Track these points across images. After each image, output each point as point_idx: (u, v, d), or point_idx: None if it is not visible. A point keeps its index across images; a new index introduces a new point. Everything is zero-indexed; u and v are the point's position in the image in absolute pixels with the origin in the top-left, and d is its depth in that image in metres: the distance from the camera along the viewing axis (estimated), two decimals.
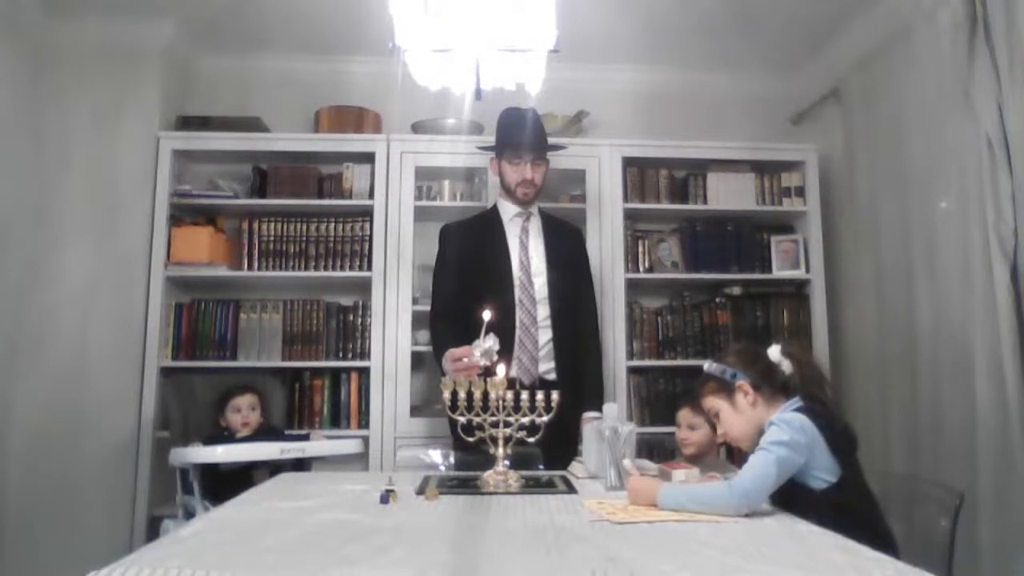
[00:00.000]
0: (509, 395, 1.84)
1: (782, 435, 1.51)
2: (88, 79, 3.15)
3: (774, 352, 1.71)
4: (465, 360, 2.06)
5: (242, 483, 2.03)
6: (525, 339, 2.43)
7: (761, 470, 1.48)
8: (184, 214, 3.25)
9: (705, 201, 3.39)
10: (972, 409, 2.41)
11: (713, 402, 1.73)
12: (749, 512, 1.44)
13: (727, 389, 1.69)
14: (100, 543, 2.83)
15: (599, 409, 2.20)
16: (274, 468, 2.37)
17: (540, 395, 1.86)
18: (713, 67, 3.58)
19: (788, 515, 1.44)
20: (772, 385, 1.67)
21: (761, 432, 1.60)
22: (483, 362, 1.98)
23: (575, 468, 2.02)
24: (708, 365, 1.77)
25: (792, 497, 1.51)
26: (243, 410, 2.59)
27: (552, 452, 2.10)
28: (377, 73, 3.30)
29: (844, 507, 1.48)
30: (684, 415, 2.23)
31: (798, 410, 1.58)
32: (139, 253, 3.10)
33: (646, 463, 2.04)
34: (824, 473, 1.52)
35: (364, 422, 3.10)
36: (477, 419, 1.85)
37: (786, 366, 1.69)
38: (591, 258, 2.84)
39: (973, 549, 2.26)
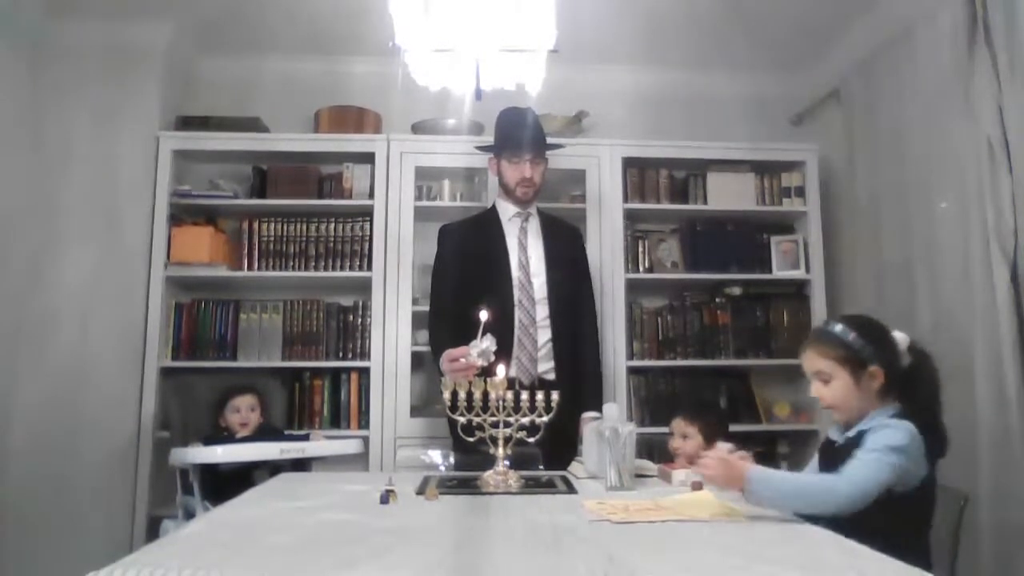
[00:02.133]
0: (509, 395, 1.84)
1: (903, 442, 1.46)
2: (88, 79, 3.15)
3: (902, 341, 1.63)
4: (462, 361, 2.06)
5: (242, 483, 2.03)
6: (524, 339, 2.43)
7: (875, 474, 1.42)
8: (184, 214, 3.25)
9: (705, 201, 3.39)
10: (972, 409, 2.41)
11: (830, 367, 1.61)
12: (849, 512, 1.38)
13: (854, 363, 1.58)
14: (100, 543, 2.83)
15: (598, 409, 2.20)
16: (274, 468, 2.37)
17: (540, 395, 1.86)
18: (713, 67, 3.58)
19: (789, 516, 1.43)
20: (893, 378, 1.59)
21: (859, 415, 1.56)
22: (480, 362, 1.98)
23: (575, 468, 2.02)
24: (842, 329, 1.62)
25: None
26: (242, 410, 2.59)
27: (552, 452, 2.10)
28: (377, 73, 3.30)
29: (908, 515, 1.46)
30: (677, 424, 2.24)
31: (902, 414, 1.53)
32: (139, 253, 3.10)
33: (646, 463, 2.05)
34: (911, 480, 1.49)
35: (364, 422, 3.10)
36: (477, 419, 1.85)
37: (906, 360, 1.62)
38: (591, 258, 2.84)
39: (973, 549, 2.26)
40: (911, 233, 2.82)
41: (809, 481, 1.48)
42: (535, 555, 1.16)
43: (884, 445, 1.46)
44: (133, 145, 3.15)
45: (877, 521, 1.36)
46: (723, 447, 1.58)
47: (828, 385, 1.62)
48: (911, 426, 1.50)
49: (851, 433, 1.59)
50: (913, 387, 1.60)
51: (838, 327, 1.63)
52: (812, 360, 1.65)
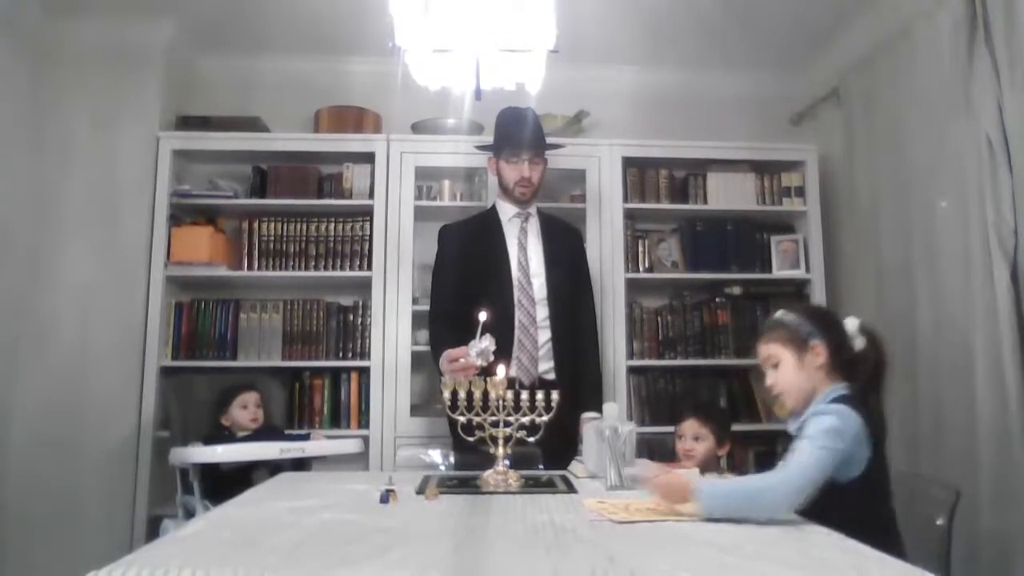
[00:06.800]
0: (509, 395, 1.84)
1: (836, 425, 1.45)
2: (88, 79, 3.15)
3: (851, 325, 1.64)
4: (461, 361, 2.06)
5: (242, 483, 2.03)
6: (524, 339, 2.43)
7: (814, 460, 1.41)
8: (184, 214, 3.25)
9: (705, 201, 3.39)
10: (972, 409, 2.41)
11: (776, 350, 1.64)
12: (797, 508, 1.37)
13: (797, 343, 1.62)
14: (100, 543, 2.83)
15: (598, 409, 2.20)
16: (274, 468, 2.37)
17: (540, 395, 1.86)
18: (713, 67, 3.58)
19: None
20: (839, 357, 1.60)
21: (807, 398, 1.57)
22: (479, 362, 1.99)
23: (575, 468, 2.02)
24: (783, 314, 1.69)
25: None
26: (250, 406, 2.58)
27: (552, 452, 2.10)
28: (377, 73, 3.29)
29: (861, 501, 1.45)
30: (690, 426, 2.20)
31: (841, 399, 1.53)
32: (139, 253, 3.10)
33: (646, 463, 2.04)
34: (854, 467, 1.48)
35: (364, 422, 3.10)
36: (477, 419, 1.85)
37: (859, 343, 1.62)
38: (591, 258, 2.84)
39: (973, 548, 2.26)
40: (911, 233, 2.82)
41: (753, 484, 1.45)
42: (535, 555, 1.16)
43: (818, 431, 1.46)
44: (133, 145, 3.15)
45: (829, 512, 1.35)
46: (652, 468, 1.59)
47: (777, 370, 1.64)
48: (844, 408, 1.49)
49: (798, 424, 1.58)
50: (858, 368, 1.61)
51: (779, 312, 1.69)
52: (761, 350, 1.68)
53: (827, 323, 1.65)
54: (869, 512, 1.43)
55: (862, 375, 1.60)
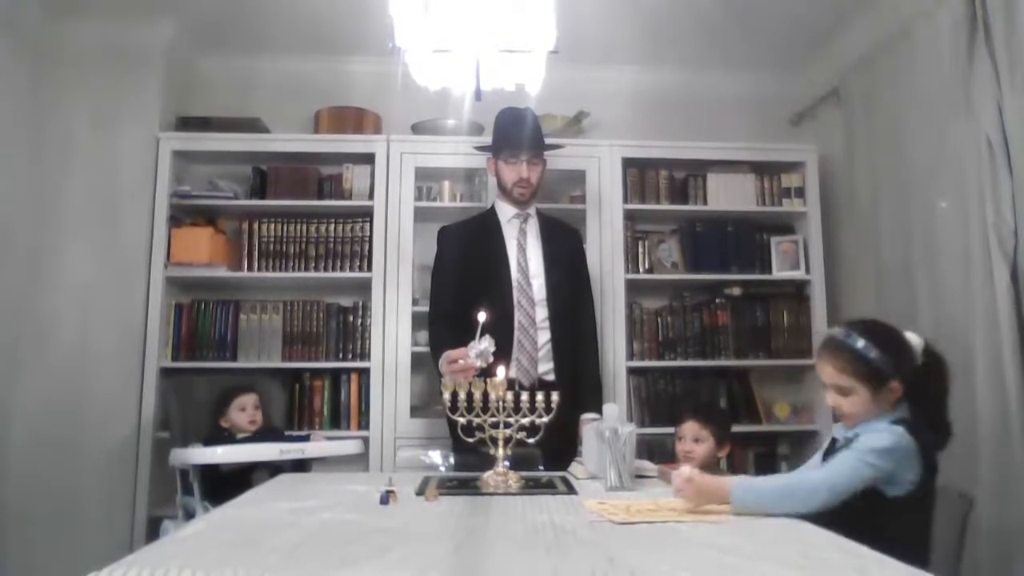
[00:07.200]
0: (509, 396, 1.84)
1: (888, 446, 1.47)
2: (88, 80, 3.15)
3: (918, 346, 1.60)
4: (461, 362, 2.06)
5: (242, 484, 2.03)
6: (524, 340, 2.43)
7: (851, 471, 1.45)
8: (184, 215, 3.25)
9: (705, 202, 3.39)
10: (972, 409, 2.41)
11: (850, 383, 1.57)
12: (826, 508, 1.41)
13: (875, 380, 1.55)
14: (100, 543, 2.83)
15: (598, 410, 2.20)
16: (274, 469, 2.37)
17: (540, 396, 1.86)
18: (713, 67, 3.58)
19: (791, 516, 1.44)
20: (909, 387, 1.57)
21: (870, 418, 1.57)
22: (478, 363, 1.99)
23: (575, 469, 2.02)
24: (860, 343, 1.57)
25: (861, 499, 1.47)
26: (248, 409, 2.58)
27: (552, 453, 2.10)
28: (377, 73, 3.30)
29: (904, 517, 1.46)
30: (690, 427, 2.19)
31: (901, 421, 1.53)
32: (139, 253, 3.10)
33: (646, 464, 2.04)
34: (898, 486, 1.49)
35: (364, 423, 3.10)
36: (477, 420, 1.85)
37: (919, 361, 1.60)
38: (591, 259, 2.84)
39: (974, 549, 2.25)
40: (911, 233, 2.82)
41: (789, 481, 1.50)
42: (535, 555, 1.16)
43: (868, 447, 1.48)
44: (133, 146, 3.15)
45: (873, 522, 1.36)
46: (684, 471, 1.55)
47: (847, 398, 1.60)
48: (900, 430, 1.50)
49: (850, 433, 1.59)
50: (923, 388, 1.58)
51: (860, 342, 1.58)
52: (831, 373, 1.61)
53: (903, 357, 1.58)
54: (910, 529, 1.43)
55: (924, 395, 1.58)
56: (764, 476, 1.59)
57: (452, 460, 2.31)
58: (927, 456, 1.52)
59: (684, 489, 1.50)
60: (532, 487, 1.80)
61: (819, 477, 1.47)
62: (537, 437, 1.87)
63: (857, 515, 1.41)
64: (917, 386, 1.58)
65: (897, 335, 1.62)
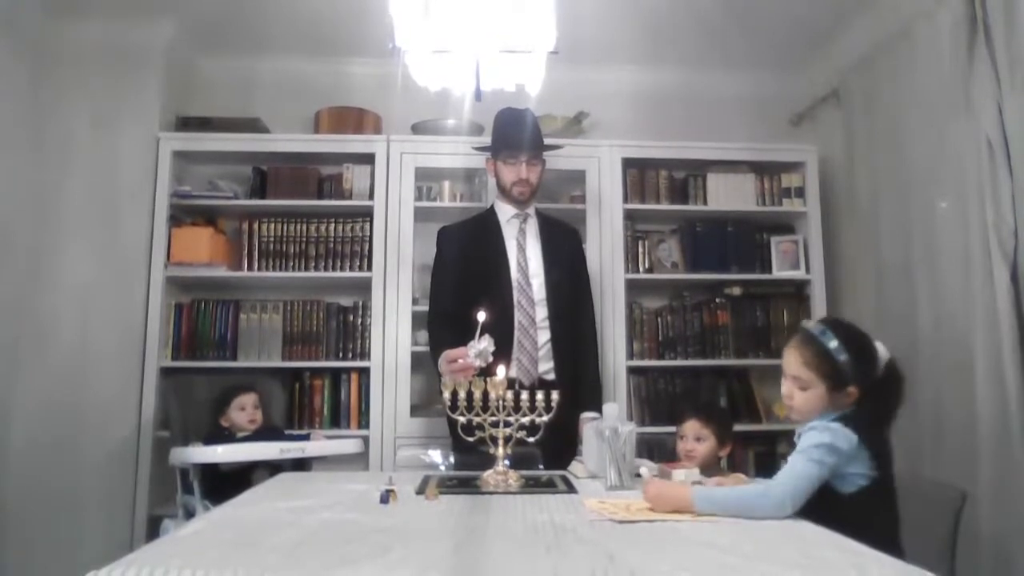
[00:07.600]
0: (509, 395, 1.85)
1: (827, 441, 1.48)
2: (88, 80, 3.15)
3: (883, 357, 1.60)
4: (460, 361, 2.06)
5: (242, 483, 2.03)
6: (524, 340, 2.43)
7: (801, 471, 1.46)
8: (184, 215, 3.25)
9: (705, 202, 3.39)
10: (972, 409, 2.41)
11: (811, 379, 1.58)
12: (789, 516, 1.41)
13: (836, 380, 1.56)
14: (100, 543, 2.83)
15: (598, 409, 2.20)
16: (274, 468, 2.37)
17: (540, 395, 1.86)
18: (713, 67, 3.58)
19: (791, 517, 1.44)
20: (864, 393, 1.58)
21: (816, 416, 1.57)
22: (478, 363, 1.99)
23: (575, 468, 2.02)
24: (833, 343, 1.58)
25: (816, 498, 1.48)
26: (248, 408, 2.58)
27: (552, 452, 2.10)
28: (377, 74, 3.30)
29: (863, 513, 1.46)
30: (692, 426, 2.18)
31: (840, 418, 1.53)
32: (139, 253, 3.10)
33: (646, 463, 2.04)
34: (850, 481, 1.50)
35: (364, 422, 3.10)
36: (477, 419, 1.85)
37: (880, 369, 1.60)
38: (591, 259, 2.84)
39: (973, 548, 2.26)
40: (911, 233, 2.82)
41: (745, 491, 1.51)
42: (535, 555, 1.16)
43: (810, 445, 1.50)
44: (133, 146, 3.15)
45: (833, 521, 1.36)
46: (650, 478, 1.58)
47: (803, 392, 1.61)
48: (837, 426, 1.51)
49: (796, 436, 1.60)
50: (876, 399, 1.58)
51: (833, 342, 1.59)
52: (795, 364, 1.63)
53: (868, 364, 1.59)
54: (871, 523, 1.43)
55: (872, 407, 1.58)
56: (727, 487, 1.59)
57: (452, 459, 2.32)
58: (873, 449, 1.52)
59: (646, 492, 1.54)
60: (532, 486, 1.80)
61: (775, 485, 1.47)
62: (537, 436, 1.87)
63: (817, 516, 1.42)
64: (872, 396, 1.59)
65: (869, 343, 1.63)
